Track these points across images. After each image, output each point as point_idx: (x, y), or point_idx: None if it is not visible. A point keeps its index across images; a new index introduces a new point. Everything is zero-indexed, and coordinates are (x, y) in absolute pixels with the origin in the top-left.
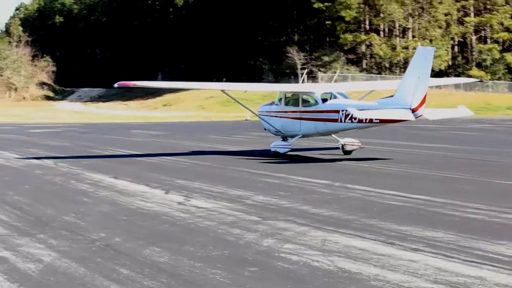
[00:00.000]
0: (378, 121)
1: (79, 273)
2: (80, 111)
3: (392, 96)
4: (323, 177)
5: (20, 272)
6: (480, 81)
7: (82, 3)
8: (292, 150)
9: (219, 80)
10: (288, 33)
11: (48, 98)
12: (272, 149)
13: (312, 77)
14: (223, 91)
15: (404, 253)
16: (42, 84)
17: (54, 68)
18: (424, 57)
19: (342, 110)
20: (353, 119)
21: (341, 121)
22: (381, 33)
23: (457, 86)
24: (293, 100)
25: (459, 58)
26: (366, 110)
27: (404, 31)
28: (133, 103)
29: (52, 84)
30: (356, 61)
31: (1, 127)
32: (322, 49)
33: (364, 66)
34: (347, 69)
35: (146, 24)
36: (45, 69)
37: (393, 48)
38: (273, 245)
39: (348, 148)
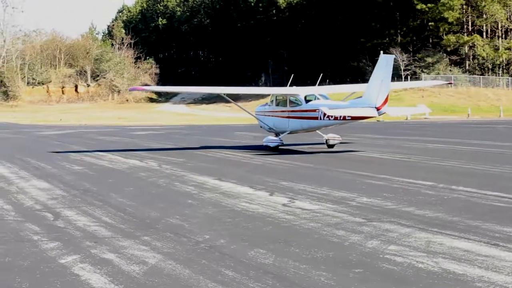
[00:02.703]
0: (350, 118)
1: (184, 275)
2: (183, 113)
3: (361, 97)
4: (427, 178)
5: (125, 274)
6: (449, 83)
7: (185, 6)
8: (284, 145)
9: (322, 82)
10: (391, 34)
11: (151, 100)
12: (264, 144)
13: (415, 78)
14: (224, 94)
15: (508, 254)
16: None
17: (157, 70)
18: (385, 63)
19: (320, 109)
20: (329, 117)
21: (320, 119)
22: (484, 34)
23: None
24: (282, 101)
25: None
26: (337, 109)
27: (506, 31)
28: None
29: (156, 86)
30: (459, 62)
31: (105, 129)
32: (425, 50)
33: (467, 67)
34: (450, 70)
35: (249, 26)
36: (148, 71)
37: (496, 49)
38: (377, 247)
39: (330, 142)
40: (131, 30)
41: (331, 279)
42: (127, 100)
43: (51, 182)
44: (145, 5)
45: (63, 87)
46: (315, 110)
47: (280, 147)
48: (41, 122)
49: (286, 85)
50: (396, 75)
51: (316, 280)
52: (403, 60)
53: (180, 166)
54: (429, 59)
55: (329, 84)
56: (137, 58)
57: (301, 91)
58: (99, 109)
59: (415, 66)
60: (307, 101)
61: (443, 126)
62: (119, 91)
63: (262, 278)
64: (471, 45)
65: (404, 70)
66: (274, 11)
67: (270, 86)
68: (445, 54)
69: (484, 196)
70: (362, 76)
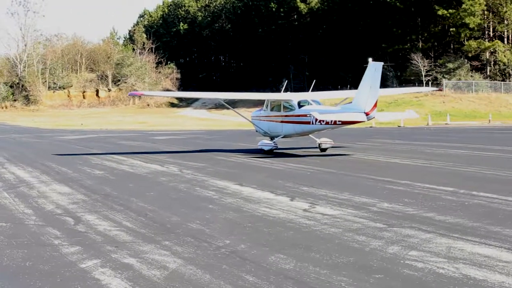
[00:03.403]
0: (340, 122)
1: (204, 280)
2: (204, 118)
3: (351, 102)
4: (448, 184)
5: (145, 278)
6: (439, 89)
7: (207, 11)
8: (278, 149)
9: (343, 87)
10: (412, 40)
11: (172, 105)
12: (259, 147)
13: (436, 84)
14: (222, 100)
15: None
16: (166, 91)
17: (179, 75)
18: (374, 70)
19: (311, 114)
20: (321, 121)
21: (312, 123)
22: (505, 39)
23: None
24: (276, 106)
25: None
26: (327, 113)
27: None
28: None
29: (177, 91)
30: (480, 68)
31: (126, 134)
32: (446, 56)
33: (488, 73)
34: (471, 76)
35: (271, 31)
36: (169, 76)
37: None
38: (398, 252)
39: (323, 146)
40: (152, 35)
41: (351, 285)
42: (148, 105)
43: (72, 187)
44: (166, 10)
45: (84, 92)
46: (307, 115)
47: (274, 151)
48: (62, 126)
49: (307, 90)
50: (417, 81)
51: (336, 286)
52: (424, 66)
53: (201, 171)
54: (450, 65)
55: (350, 89)
56: (158, 63)
57: (294, 97)
58: (120, 113)
59: (436, 72)
60: (300, 106)
61: (464, 131)
62: (140, 96)
63: (282, 283)
64: (492, 51)
65: (425, 75)
66: (295, 16)
67: (291, 91)
68: (466, 60)
69: (505, 202)
70: (383, 82)
